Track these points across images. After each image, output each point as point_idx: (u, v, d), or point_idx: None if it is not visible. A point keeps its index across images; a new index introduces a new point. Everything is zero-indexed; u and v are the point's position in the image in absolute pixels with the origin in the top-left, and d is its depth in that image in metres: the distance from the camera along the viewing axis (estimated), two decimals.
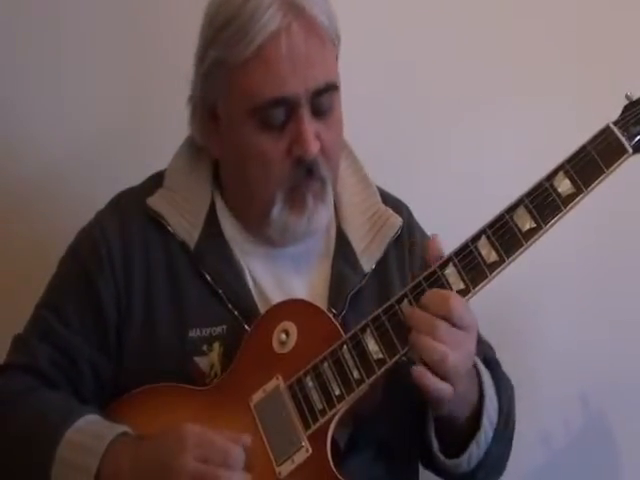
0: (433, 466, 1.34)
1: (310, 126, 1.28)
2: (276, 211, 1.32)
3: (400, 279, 1.39)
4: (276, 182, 1.31)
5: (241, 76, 1.28)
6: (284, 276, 1.37)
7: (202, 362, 1.30)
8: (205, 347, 1.30)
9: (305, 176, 1.31)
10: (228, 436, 1.16)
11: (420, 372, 1.16)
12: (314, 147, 1.28)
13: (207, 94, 1.35)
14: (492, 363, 1.36)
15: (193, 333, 1.31)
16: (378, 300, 1.34)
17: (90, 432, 1.20)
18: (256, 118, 1.29)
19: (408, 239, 1.43)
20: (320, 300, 1.35)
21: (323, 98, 1.30)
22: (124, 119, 1.81)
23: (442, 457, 1.28)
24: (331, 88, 1.30)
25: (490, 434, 1.28)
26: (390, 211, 1.43)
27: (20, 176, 1.80)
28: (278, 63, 1.26)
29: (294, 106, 1.28)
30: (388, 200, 1.46)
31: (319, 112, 1.30)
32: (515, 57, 1.80)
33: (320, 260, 1.40)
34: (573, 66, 1.78)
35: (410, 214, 1.49)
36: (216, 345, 1.30)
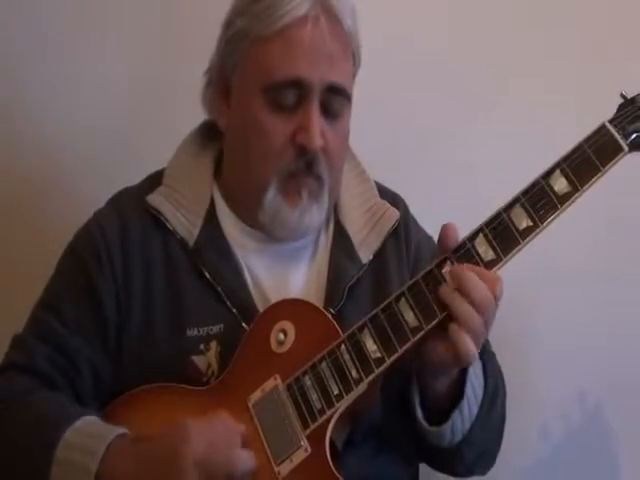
0: (420, 444, 1.32)
1: (318, 119, 1.30)
2: (269, 196, 1.33)
3: (398, 272, 1.40)
4: (274, 165, 1.32)
5: (261, 51, 1.31)
6: (282, 272, 1.38)
7: (199, 361, 1.30)
8: (202, 346, 1.31)
9: (304, 169, 1.31)
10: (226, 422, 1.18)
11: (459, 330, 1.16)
12: (318, 139, 1.29)
13: (225, 63, 1.36)
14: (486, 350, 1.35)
15: (191, 332, 1.31)
16: (375, 292, 1.36)
17: (89, 433, 1.20)
18: (267, 96, 1.30)
19: (404, 233, 1.44)
20: (318, 292, 1.36)
21: (335, 99, 1.32)
22: (123, 119, 1.82)
23: (425, 424, 1.26)
24: (344, 94, 1.33)
25: (475, 409, 1.27)
26: (387, 204, 1.44)
27: (19, 176, 1.80)
28: (299, 46, 1.28)
29: (306, 93, 1.29)
30: (385, 194, 1.47)
31: (328, 112, 1.32)
32: (513, 56, 1.80)
33: (319, 253, 1.41)
34: (570, 65, 1.78)
35: (406, 208, 1.49)
36: (213, 344, 1.31)
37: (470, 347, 1.16)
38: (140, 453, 1.17)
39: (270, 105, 1.31)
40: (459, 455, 1.30)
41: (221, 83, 1.38)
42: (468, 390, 1.25)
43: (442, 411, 1.26)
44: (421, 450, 1.35)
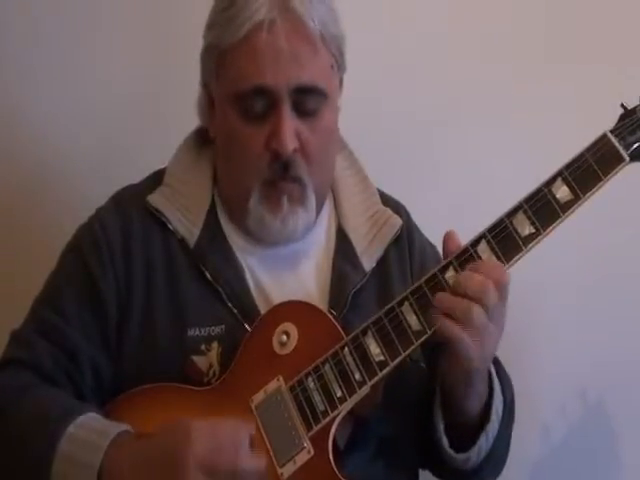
0: (439, 466, 1.35)
1: (289, 122, 1.29)
2: (252, 204, 1.33)
3: (401, 280, 1.40)
4: (253, 173, 1.32)
5: (228, 61, 1.31)
6: (284, 275, 1.38)
7: (200, 361, 1.30)
8: (204, 346, 1.30)
9: (281, 174, 1.31)
10: (233, 424, 1.16)
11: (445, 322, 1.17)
12: (289, 143, 1.28)
13: (204, 75, 1.38)
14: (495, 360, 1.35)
15: (192, 332, 1.31)
16: (379, 300, 1.35)
17: (92, 428, 1.19)
18: (238, 106, 1.31)
19: (407, 240, 1.44)
20: (321, 298, 1.36)
21: (307, 98, 1.30)
22: (123, 119, 1.82)
23: (453, 453, 1.28)
24: (317, 92, 1.31)
25: (497, 426, 1.29)
26: (390, 212, 1.44)
27: (20, 176, 1.80)
28: (258, 53, 1.28)
29: (275, 98, 1.29)
30: (387, 202, 1.47)
31: (302, 112, 1.31)
32: (515, 62, 1.81)
33: (321, 258, 1.40)
34: (573, 72, 1.79)
35: (409, 216, 1.50)
36: (215, 345, 1.30)
37: (463, 337, 1.16)
38: (141, 450, 1.16)
39: (242, 115, 1.31)
40: (479, 472, 1.32)
41: (206, 94, 1.39)
42: (493, 414, 1.27)
43: (466, 434, 1.27)
44: (439, 471, 1.37)
